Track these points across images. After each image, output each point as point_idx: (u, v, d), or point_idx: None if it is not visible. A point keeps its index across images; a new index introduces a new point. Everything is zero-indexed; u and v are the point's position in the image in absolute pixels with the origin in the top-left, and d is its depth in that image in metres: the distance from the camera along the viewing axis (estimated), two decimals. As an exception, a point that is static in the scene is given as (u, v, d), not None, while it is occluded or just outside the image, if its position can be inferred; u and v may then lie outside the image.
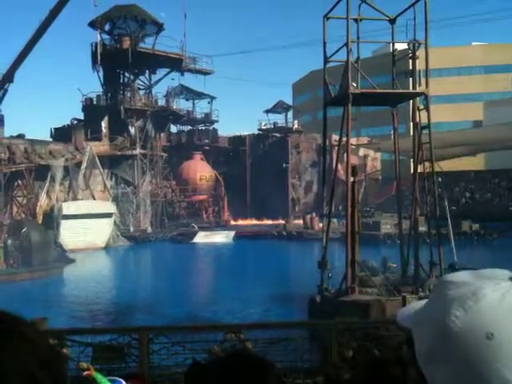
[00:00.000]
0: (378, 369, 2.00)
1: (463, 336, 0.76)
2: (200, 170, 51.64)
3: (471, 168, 53.09)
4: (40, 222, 37.41)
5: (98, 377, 2.53)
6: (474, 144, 40.91)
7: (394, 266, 17.12)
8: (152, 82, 49.43)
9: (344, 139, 15.98)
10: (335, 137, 33.48)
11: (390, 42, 17.32)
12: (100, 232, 39.01)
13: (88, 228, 37.98)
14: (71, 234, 37.13)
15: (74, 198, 40.99)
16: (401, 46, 18.84)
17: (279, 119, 61.69)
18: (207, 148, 54.40)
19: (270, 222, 49.37)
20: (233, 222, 50.72)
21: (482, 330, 0.75)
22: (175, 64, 47.80)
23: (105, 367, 6.97)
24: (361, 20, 15.53)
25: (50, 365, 0.73)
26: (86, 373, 2.60)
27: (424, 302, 0.87)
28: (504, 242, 35.75)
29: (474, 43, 71.19)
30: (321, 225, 29.58)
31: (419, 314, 0.84)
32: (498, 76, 64.77)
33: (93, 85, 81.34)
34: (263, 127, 60.20)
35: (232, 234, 44.15)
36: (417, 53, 15.69)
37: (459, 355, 0.76)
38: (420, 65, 15.79)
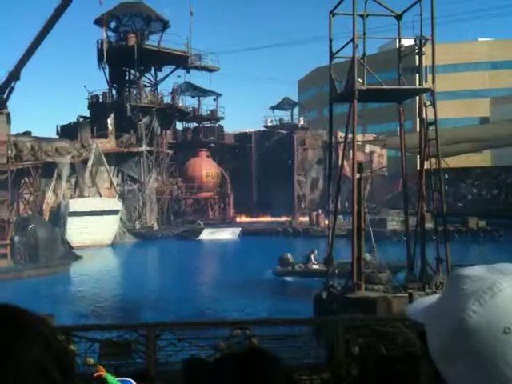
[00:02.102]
0: (387, 365, 2.00)
1: (480, 331, 0.76)
2: (206, 167, 51.68)
3: (478, 164, 52.86)
4: (47, 219, 37.57)
5: (109, 378, 2.52)
6: (481, 140, 40.74)
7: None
8: (158, 80, 49.50)
9: (350, 136, 15.93)
10: (341, 133, 33.39)
11: (396, 38, 17.25)
12: (106, 229, 39.12)
13: (94, 225, 38.09)
14: (78, 231, 37.26)
15: (81, 195, 41.13)
16: (407, 42, 18.77)
17: (285, 116, 61.70)
18: (213, 145, 54.42)
19: (275, 218, 49.36)
20: (238, 219, 50.73)
21: (499, 325, 0.75)
22: (181, 61, 47.80)
23: (112, 363, 7.00)
24: (367, 16, 15.45)
25: (62, 361, 0.74)
26: (97, 374, 2.59)
27: (436, 296, 0.87)
28: (511, 238, 35.58)
29: (480, 39, 70.76)
30: (327, 222, 29.54)
31: (433, 308, 0.84)
32: (505, 72, 64.38)
33: (99, 82, 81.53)
34: (269, 124, 60.16)
35: (238, 230, 44.19)
36: (423, 49, 15.62)
37: (476, 350, 0.75)
38: (426, 61, 15.72)
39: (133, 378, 4.79)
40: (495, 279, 0.78)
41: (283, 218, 48.02)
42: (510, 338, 0.74)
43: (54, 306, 18.74)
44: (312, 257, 25.03)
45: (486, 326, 0.75)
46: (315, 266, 24.03)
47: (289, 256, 25.49)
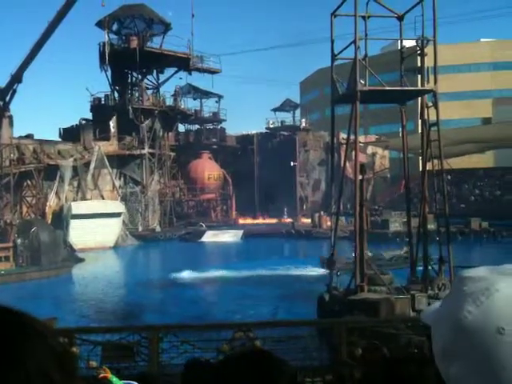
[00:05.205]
0: (393, 367, 1.99)
1: (475, 331, 0.76)
2: (208, 169, 51.71)
3: (480, 165, 52.78)
4: (49, 221, 37.60)
5: (114, 380, 2.51)
6: (483, 141, 40.70)
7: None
8: (160, 82, 49.55)
9: (352, 137, 15.92)
10: (343, 135, 33.39)
11: (398, 39, 17.23)
12: (109, 231, 39.14)
13: (97, 227, 38.11)
14: (80, 234, 37.27)
15: (83, 198, 41.17)
16: (409, 43, 18.73)
17: (287, 118, 61.76)
18: (215, 147, 54.45)
19: (278, 220, 49.35)
20: (241, 221, 50.72)
21: (494, 325, 0.75)
22: (183, 63, 47.86)
23: (114, 366, 6.99)
24: (369, 17, 15.44)
25: (66, 365, 0.74)
26: (101, 375, 2.59)
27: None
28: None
29: (482, 40, 70.71)
30: (329, 223, 29.51)
31: (438, 310, 0.85)
32: (507, 72, 64.30)
33: (101, 85, 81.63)
34: (271, 126, 60.21)
35: (240, 232, 44.16)
36: (425, 50, 15.58)
37: (472, 350, 0.76)
38: (428, 62, 15.69)
39: (136, 381, 4.79)
40: (494, 280, 0.78)
41: (286, 220, 48.01)
42: (504, 338, 0.74)
43: (56, 308, 18.75)
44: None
45: (481, 326, 0.76)
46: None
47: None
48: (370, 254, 18.74)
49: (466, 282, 0.81)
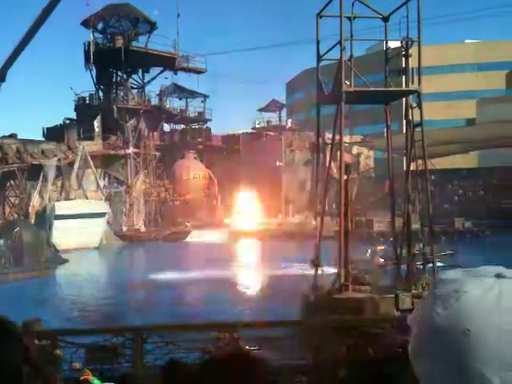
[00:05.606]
0: (375, 366, 1.99)
1: (444, 332, 0.77)
2: (193, 169, 51.57)
3: (464, 166, 53.28)
4: (32, 222, 37.24)
5: (95, 382, 2.49)
6: (467, 141, 41.11)
7: None
8: (145, 81, 49.37)
9: (337, 137, 15.97)
10: (328, 135, 33.48)
11: (383, 40, 17.32)
12: (93, 232, 38.87)
13: (81, 228, 37.83)
14: (64, 234, 36.95)
15: (67, 198, 40.83)
16: (394, 44, 18.83)
17: (273, 118, 61.85)
18: (200, 147, 54.32)
19: (263, 220, 49.34)
20: (226, 221, 50.64)
21: (461, 327, 0.76)
22: (168, 63, 47.70)
23: (98, 368, 6.93)
24: (354, 18, 15.50)
25: (41, 370, 0.75)
26: (83, 377, 2.57)
27: None
28: (497, 239, 35.92)
29: (466, 41, 71.39)
30: (314, 223, 29.56)
31: (414, 312, 0.86)
32: (491, 73, 65.01)
33: (86, 84, 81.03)
34: (257, 126, 60.27)
35: (226, 232, 44.16)
36: (410, 50, 15.69)
37: (441, 351, 0.77)
38: (413, 62, 15.79)
39: (119, 382, 4.75)
40: (463, 282, 0.79)
41: (271, 219, 48.06)
42: (469, 340, 0.74)
43: (39, 310, 18.56)
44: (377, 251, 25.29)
45: (448, 327, 0.77)
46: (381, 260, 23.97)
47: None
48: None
49: (439, 285, 0.82)
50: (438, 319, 0.78)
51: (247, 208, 49.05)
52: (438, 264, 23.15)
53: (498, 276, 0.78)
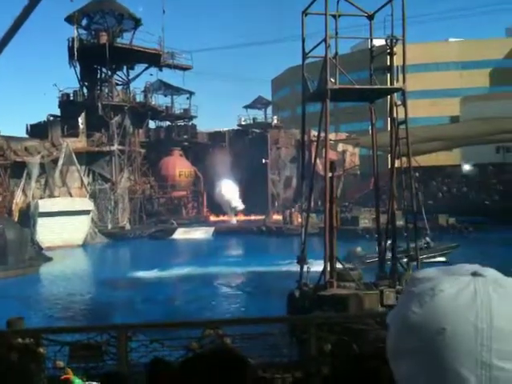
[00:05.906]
0: (359, 362, 2.01)
1: (419, 331, 0.77)
2: (179, 166, 51.39)
3: (448, 163, 53.74)
4: (16, 219, 36.86)
5: (76, 381, 2.48)
6: (451, 139, 41.44)
7: None
8: (130, 78, 48.99)
9: (322, 135, 16.03)
10: (314, 132, 33.56)
11: (368, 38, 17.39)
12: (77, 229, 38.60)
13: (65, 225, 37.54)
14: (48, 232, 36.64)
15: (51, 195, 40.47)
16: (379, 42, 18.93)
17: (259, 115, 61.77)
18: (186, 144, 54.12)
19: (249, 217, 49.40)
20: (212, 218, 50.60)
21: (436, 325, 0.75)
22: (153, 59, 47.41)
23: (82, 366, 6.89)
24: (339, 16, 15.55)
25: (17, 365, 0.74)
26: (64, 376, 2.54)
27: None
28: (479, 235, 36.32)
29: (450, 39, 71.94)
30: (300, 220, 29.66)
31: (392, 310, 0.86)
32: (475, 72, 65.60)
33: (70, 80, 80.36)
34: (243, 123, 60.15)
35: (211, 230, 44.11)
36: (394, 49, 15.77)
37: (417, 350, 0.77)
38: (398, 60, 15.89)
39: (103, 380, 4.73)
40: (439, 280, 0.79)
41: (257, 217, 48.09)
42: (444, 338, 0.74)
43: (23, 308, 18.40)
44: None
45: (424, 326, 0.76)
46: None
47: (358, 249, 25.99)
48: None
49: (416, 283, 0.82)
50: (413, 317, 0.78)
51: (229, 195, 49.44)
52: (442, 259, 24.35)
53: (474, 274, 0.78)
